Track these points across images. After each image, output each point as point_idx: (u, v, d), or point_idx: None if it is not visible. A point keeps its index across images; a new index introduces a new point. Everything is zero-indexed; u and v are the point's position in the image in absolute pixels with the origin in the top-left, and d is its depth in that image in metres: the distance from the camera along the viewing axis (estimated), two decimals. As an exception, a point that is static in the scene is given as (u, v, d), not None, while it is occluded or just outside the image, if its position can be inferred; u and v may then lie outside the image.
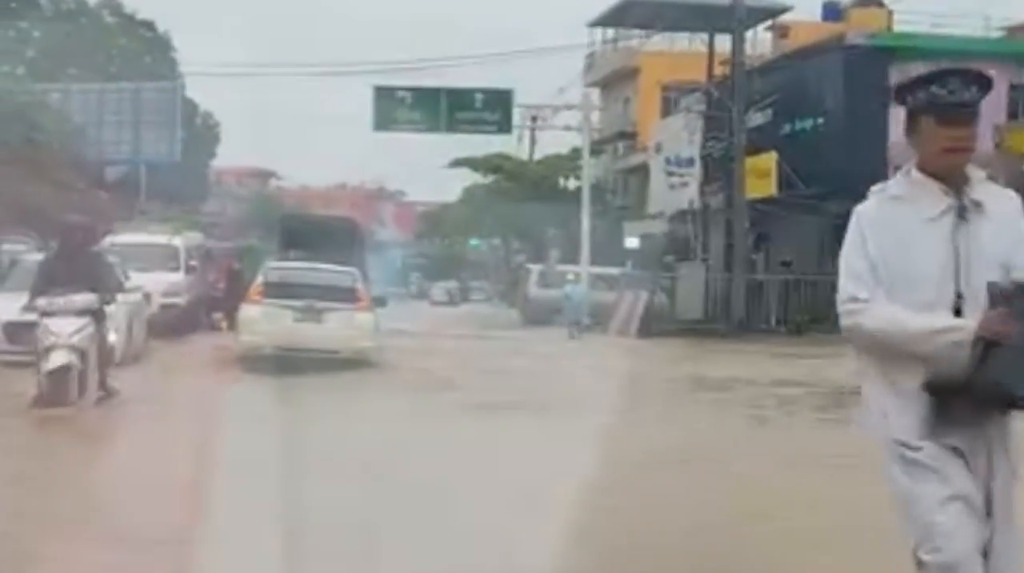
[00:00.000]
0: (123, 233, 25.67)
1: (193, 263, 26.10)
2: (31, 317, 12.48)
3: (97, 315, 12.40)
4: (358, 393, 15.65)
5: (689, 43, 43.78)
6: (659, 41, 47.03)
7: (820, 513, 8.28)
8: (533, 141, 54.74)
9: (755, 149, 34.29)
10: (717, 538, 7.41)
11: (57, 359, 11.83)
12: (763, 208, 34.48)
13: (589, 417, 13.26)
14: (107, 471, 9.56)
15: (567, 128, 45.65)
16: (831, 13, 42.75)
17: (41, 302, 12.29)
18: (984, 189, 4.06)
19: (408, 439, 11.09)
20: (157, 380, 16.28)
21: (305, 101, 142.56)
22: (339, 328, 18.24)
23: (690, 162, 37.69)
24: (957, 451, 3.94)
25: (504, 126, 40.03)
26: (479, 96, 38.55)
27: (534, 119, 48.79)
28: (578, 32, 75.93)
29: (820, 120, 35.31)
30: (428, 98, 38.33)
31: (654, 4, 39.75)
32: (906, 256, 3.98)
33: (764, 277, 34.77)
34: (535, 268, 40.71)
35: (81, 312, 12.19)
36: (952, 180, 4.02)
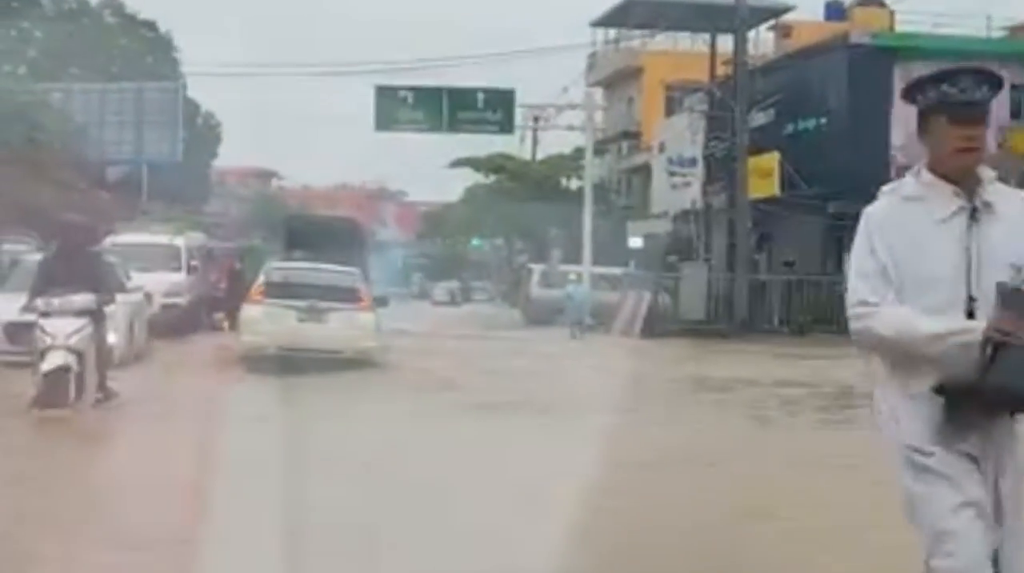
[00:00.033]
0: (125, 233, 25.69)
1: (195, 263, 26.11)
2: (32, 317, 12.42)
3: (96, 316, 12.31)
4: (360, 393, 15.63)
5: (691, 43, 43.79)
6: (662, 41, 47.10)
7: (822, 513, 8.26)
8: (535, 141, 54.82)
9: (758, 149, 34.27)
10: (718, 538, 7.39)
11: (54, 360, 11.72)
12: (766, 208, 34.47)
13: (590, 417, 13.26)
14: (106, 472, 9.54)
15: (570, 128, 45.74)
16: (833, 13, 42.79)
17: (39, 302, 12.19)
18: (995, 190, 4.01)
19: (410, 439, 11.09)
20: (158, 380, 16.25)
21: (306, 101, 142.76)
22: (341, 328, 18.22)
23: (692, 162, 37.70)
24: (968, 457, 3.90)
25: (506, 126, 40.01)
26: (481, 96, 38.52)
27: (536, 119, 48.79)
28: (578, 32, 76.04)
29: (823, 120, 35.30)
30: (430, 98, 38.30)
31: (656, 4, 39.75)
32: (917, 258, 3.93)
33: (767, 277, 34.75)
34: (537, 268, 40.67)
35: (79, 313, 12.10)
36: (963, 181, 3.97)
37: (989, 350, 3.80)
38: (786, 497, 8.77)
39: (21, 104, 35.36)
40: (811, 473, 10.17)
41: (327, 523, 6.95)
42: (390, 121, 38.57)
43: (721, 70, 37.31)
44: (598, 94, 52.55)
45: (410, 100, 38.33)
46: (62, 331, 11.90)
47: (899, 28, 37.30)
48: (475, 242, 73.19)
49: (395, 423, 12.50)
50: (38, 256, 15.42)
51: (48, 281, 12.41)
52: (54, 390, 11.70)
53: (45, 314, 12.09)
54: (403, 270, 73.63)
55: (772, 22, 43.19)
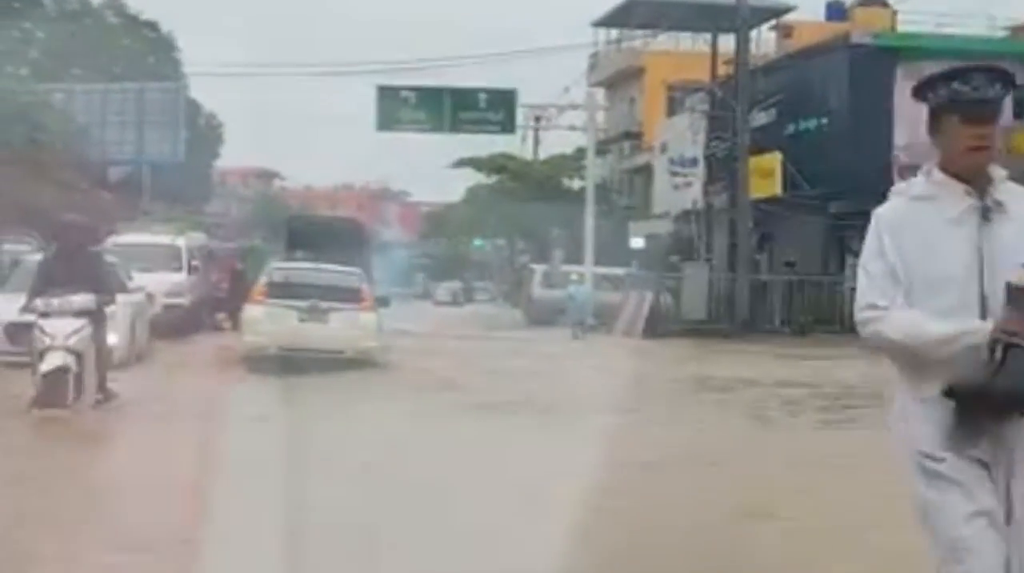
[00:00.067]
0: (126, 233, 25.70)
1: (196, 263, 26.11)
2: (31, 318, 12.40)
3: (96, 316, 12.27)
4: (362, 393, 15.62)
5: (693, 43, 43.79)
6: (664, 41, 47.10)
7: (822, 513, 8.26)
8: (537, 141, 54.83)
9: (759, 149, 34.25)
10: (719, 538, 7.39)
11: (53, 361, 11.68)
12: (767, 208, 34.44)
13: (592, 417, 13.26)
14: (106, 472, 9.54)
15: (572, 128, 45.73)
16: (835, 13, 42.77)
17: (38, 303, 12.15)
18: (1006, 189, 3.97)
19: (411, 439, 11.09)
20: (159, 381, 16.23)
21: (308, 101, 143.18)
22: (343, 328, 18.22)
23: (694, 162, 37.69)
24: (980, 462, 3.84)
25: (508, 126, 40.03)
26: (483, 96, 38.51)
27: (538, 119, 48.79)
28: (579, 32, 76.07)
29: (824, 120, 35.26)
30: (431, 98, 38.30)
31: (658, 4, 39.76)
32: (928, 258, 3.88)
33: (768, 277, 34.72)
34: (539, 268, 40.65)
35: (79, 313, 12.06)
36: (975, 180, 3.93)
37: (998, 352, 3.74)
38: (787, 497, 8.75)
39: (23, 104, 35.36)
40: (812, 473, 10.16)
41: (327, 523, 6.94)
42: (392, 121, 38.57)
43: (722, 70, 37.29)
44: (600, 94, 52.55)
45: (412, 100, 38.33)
46: (61, 332, 11.86)
47: (901, 28, 37.27)
48: (477, 242, 73.23)
49: (396, 423, 12.50)
50: (39, 256, 15.40)
51: (48, 281, 12.38)
52: (53, 391, 11.66)
53: (44, 314, 12.05)
54: (405, 270, 73.58)
55: (773, 22, 43.19)
